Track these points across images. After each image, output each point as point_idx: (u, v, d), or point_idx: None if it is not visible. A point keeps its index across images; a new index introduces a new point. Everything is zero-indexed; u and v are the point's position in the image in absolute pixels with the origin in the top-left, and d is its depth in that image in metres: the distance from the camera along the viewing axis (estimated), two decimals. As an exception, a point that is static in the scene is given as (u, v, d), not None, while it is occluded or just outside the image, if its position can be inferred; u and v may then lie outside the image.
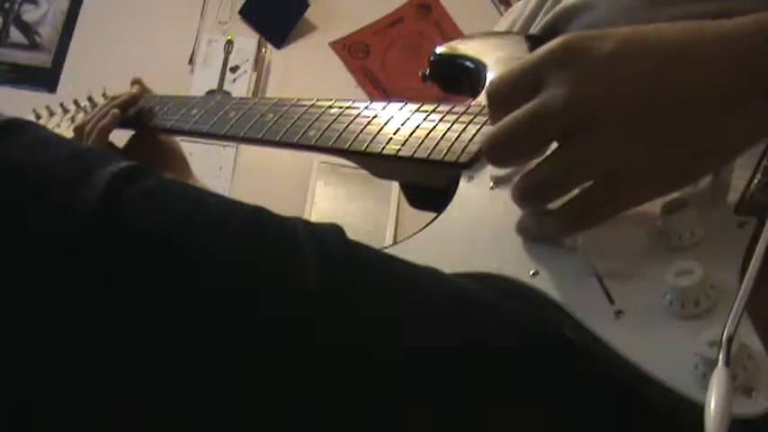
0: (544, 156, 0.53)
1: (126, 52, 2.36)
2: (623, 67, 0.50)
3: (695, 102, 0.49)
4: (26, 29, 2.56)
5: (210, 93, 2.42)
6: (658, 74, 0.49)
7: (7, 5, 2.59)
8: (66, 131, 1.07)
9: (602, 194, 0.51)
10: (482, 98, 0.78)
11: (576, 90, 0.49)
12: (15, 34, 2.56)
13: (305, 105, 0.83)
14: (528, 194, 0.54)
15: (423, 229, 0.64)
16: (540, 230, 0.55)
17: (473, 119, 0.71)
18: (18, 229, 0.40)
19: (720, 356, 0.40)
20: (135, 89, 1.06)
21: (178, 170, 1.05)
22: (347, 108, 0.80)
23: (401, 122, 0.75)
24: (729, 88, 0.49)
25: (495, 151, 0.54)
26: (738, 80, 0.49)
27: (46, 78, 2.48)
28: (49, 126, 1.14)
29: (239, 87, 2.45)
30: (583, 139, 0.49)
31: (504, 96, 0.53)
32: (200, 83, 2.44)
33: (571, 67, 0.50)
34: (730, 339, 0.40)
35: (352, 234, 0.49)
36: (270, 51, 2.50)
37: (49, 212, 0.41)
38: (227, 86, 2.46)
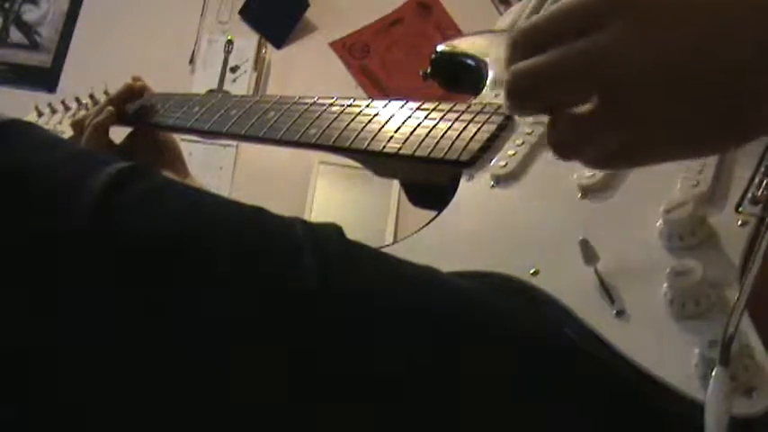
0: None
1: (126, 52, 2.35)
2: (692, 24, 0.42)
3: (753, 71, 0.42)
4: (26, 29, 2.56)
5: (211, 92, 2.41)
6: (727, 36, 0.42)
7: (7, 5, 2.58)
8: (68, 129, 1.06)
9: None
10: (483, 96, 0.79)
11: (637, 42, 0.42)
12: (15, 34, 2.55)
13: (306, 103, 0.83)
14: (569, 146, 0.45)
15: (422, 227, 0.64)
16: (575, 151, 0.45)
17: (474, 117, 0.71)
18: (17, 229, 0.40)
19: (719, 356, 0.40)
20: (131, 81, 1.05)
21: (175, 168, 1.04)
22: (348, 106, 0.80)
23: (402, 121, 0.75)
24: None
25: (525, 88, 0.43)
26: None
27: (46, 78, 2.47)
28: (51, 123, 1.13)
29: (239, 87, 2.45)
30: (625, 98, 0.42)
31: (546, 34, 0.43)
32: (201, 83, 2.44)
33: (636, 16, 0.42)
34: (730, 339, 0.40)
35: (352, 234, 0.49)
36: (270, 51, 2.50)
37: (47, 213, 0.41)
38: (227, 86, 2.46)
